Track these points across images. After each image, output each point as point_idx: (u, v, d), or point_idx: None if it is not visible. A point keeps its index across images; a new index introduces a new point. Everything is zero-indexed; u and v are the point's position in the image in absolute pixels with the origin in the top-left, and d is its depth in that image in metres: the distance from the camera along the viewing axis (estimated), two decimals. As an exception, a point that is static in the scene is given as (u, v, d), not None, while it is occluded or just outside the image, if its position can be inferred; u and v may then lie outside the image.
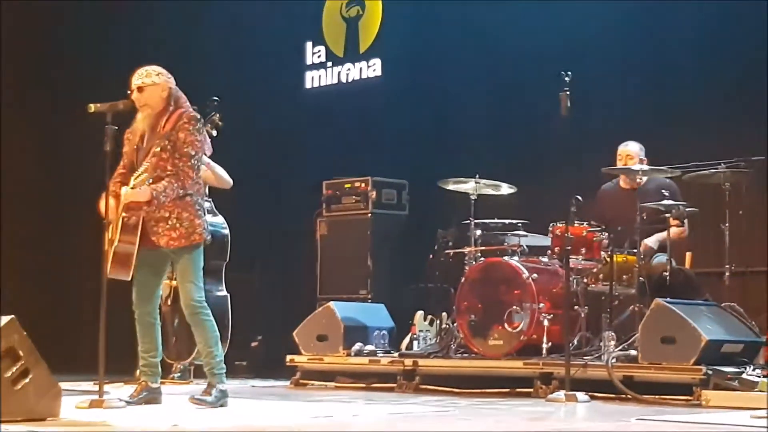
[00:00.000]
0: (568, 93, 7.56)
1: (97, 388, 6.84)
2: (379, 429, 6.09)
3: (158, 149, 6.80)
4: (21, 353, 5.87)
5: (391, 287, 10.45)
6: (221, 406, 6.81)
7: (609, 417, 6.55)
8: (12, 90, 12.57)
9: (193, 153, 6.86)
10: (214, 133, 8.63)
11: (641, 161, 8.66)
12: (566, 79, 7.56)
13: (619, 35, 10.08)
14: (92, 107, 6.85)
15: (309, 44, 12.49)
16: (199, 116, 7.02)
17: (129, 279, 6.81)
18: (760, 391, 6.98)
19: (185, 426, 5.76)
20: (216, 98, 8.82)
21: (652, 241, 8.47)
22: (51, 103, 12.68)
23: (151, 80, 6.89)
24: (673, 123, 9.67)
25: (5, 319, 5.88)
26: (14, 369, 5.84)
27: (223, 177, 8.95)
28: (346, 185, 10.75)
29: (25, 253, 12.23)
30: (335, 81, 12.26)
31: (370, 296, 10.34)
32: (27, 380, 5.87)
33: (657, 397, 7.31)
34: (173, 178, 6.78)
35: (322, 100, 12.20)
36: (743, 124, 9.34)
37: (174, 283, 8.46)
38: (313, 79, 12.43)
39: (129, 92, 6.93)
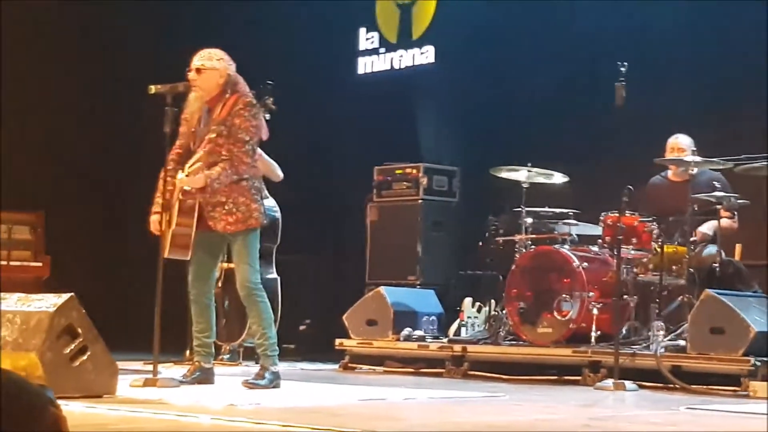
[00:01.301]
0: (624, 83, 7.57)
1: (148, 367, 6.96)
2: (433, 413, 6.17)
3: (214, 135, 6.89)
4: (80, 330, 5.98)
5: (440, 273, 10.52)
6: (274, 387, 6.89)
7: (657, 405, 6.59)
8: (70, 68, 12.70)
9: (248, 138, 6.94)
10: (267, 116, 8.66)
11: (692, 153, 8.65)
12: (622, 69, 7.58)
13: (675, 28, 10.06)
14: (153, 88, 6.96)
15: (362, 30, 12.55)
16: (255, 102, 7.09)
17: (188, 258, 6.90)
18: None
19: (240, 405, 5.84)
20: (270, 81, 8.87)
21: (706, 228, 8.49)
22: (111, 83, 12.78)
23: (212, 64, 6.97)
24: (724, 116, 9.66)
25: (65, 296, 5.99)
26: (73, 346, 5.96)
27: (273, 169, 9.01)
28: (398, 171, 10.79)
29: (83, 232, 12.38)
30: (388, 67, 12.31)
31: (419, 282, 10.39)
32: (85, 357, 5.99)
33: (705, 387, 7.34)
34: (227, 163, 6.86)
35: (375, 85, 12.25)
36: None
37: (225, 265, 8.58)
38: (365, 65, 12.50)
39: (188, 70, 7.01)
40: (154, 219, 6.91)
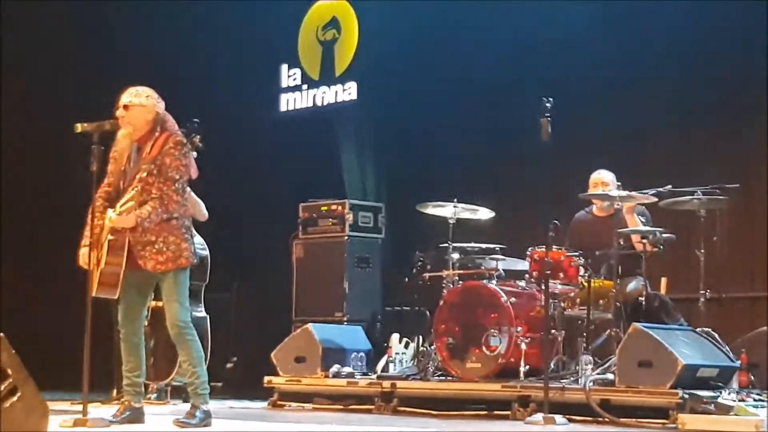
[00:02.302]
0: (549, 119, 7.64)
1: (76, 408, 6.87)
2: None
3: (144, 174, 6.85)
4: (9, 371, 5.87)
5: (367, 310, 10.52)
6: (205, 426, 6.84)
7: (589, 439, 6.63)
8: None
9: (178, 177, 6.92)
10: (195, 154, 8.64)
11: (617, 188, 8.75)
12: (547, 104, 7.64)
13: (596, 63, 10.21)
14: (79, 127, 6.91)
15: (284, 67, 12.57)
16: (185, 140, 7.07)
17: (116, 297, 6.84)
18: (736, 415, 7.09)
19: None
20: (196, 120, 8.85)
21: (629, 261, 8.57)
22: (36, 121, 12.65)
23: (139, 101, 6.95)
24: (648, 150, 9.81)
25: (-6, 337, 5.89)
26: (2, 387, 5.85)
27: (199, 209, 8.99)
28: (323, 208, 10.79)
29: (9, 271, 12.20)
30: (311, 104, 12.34)
31: (346, 318, 10.39)
32: (15, 398, 5.87)
33: (634, 420, 7.39)
34: (158, 201, 6.83)
35: (298, 122, 12.28)
36: (719, 151, 9.51)
37: (153, 303, 8.50)
38: (288, 102, 12.51)
39: (115, 108, 6.97)
40: (83, 252, 6.85)
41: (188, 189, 7.34)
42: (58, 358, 10.28)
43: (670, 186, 8.34)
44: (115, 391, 9.01)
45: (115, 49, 12.94)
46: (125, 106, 6.94)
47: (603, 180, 8.92)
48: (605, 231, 8.46)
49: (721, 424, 6.93)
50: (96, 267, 6.79)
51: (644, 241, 8.25)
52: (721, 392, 7.41)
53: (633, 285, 8.53)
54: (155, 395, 9.32)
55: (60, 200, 11.63)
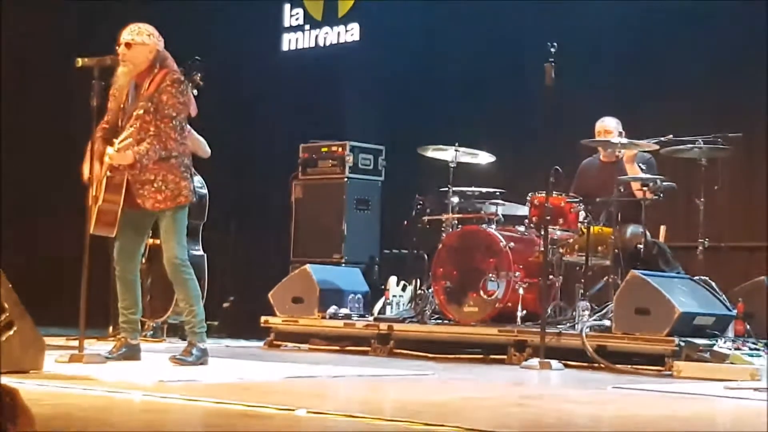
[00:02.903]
0: (553, 64, 7.60)
1: (72, 343, 6.88)
2: (362, 390, 6.18)
3: (141, 111, 6.82)
4: (6, 305, 5.89)
5: (365, 252, 10.51)
6: (201, 364, 6.85)
7: (584, 384, 6.65)
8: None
9: (175, 114, 6.89)
10: (195, 92, 8.57)
11: (620, 135, 8.72)
12: (552, 50, 7.60)
13: (602, 9, 10.13)
14: (80, 61, 6.86)
15: (287, 6, 12.49)
16: (183, 78, 7.02)
17: (113, 236, 6.84)
18: (731, 363, 7.11)
19: (170, 382, 5.79)
20: (198, 57, 8.78)
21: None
22: (38, 55, 12.57)
23: (141, 39, 6.91)
24: (652, 98, 9.76)
25: (-9, 271, 5.89)
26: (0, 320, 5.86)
27: (201, 146, 8.94)
28: (323, 149, 10.74)
29: (11, 208, 12.18)
30: (313, 44, 12.27)
31: (344, 260, 10.37)
32: (11, 332, 5.89)
33: (629, 366, 7.41)
34: (155, 139, 6.80)
35: (300, 62, 12.21)
36: (722, 100, 9.47)
37: (150, 241, 8.49)
38: (290, 42, 12.44)
39: (117, 45, 6.93)
40: (85, 168, 6.79)
41: (188, 126, 7.31)
42: (57, 292, 10.30)
43: (671, 135, 8.31)
44: (111, 328, 9.04)
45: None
46: (127, 44, 6.89)
47: (606, 127, 8.89)
48: (609, 177, 8.46)
49: (716, 372, 6.96)
50: (94, 204, 6.78)
51: (644, 188, 8.23)
52: (717, 341, 7.44)
53: (632, 232, 8.52)
54: (151, 333, 9.35)
55: (61, 135, 11.58)
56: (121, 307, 7.12)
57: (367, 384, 6.50)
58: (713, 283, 7.96)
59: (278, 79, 12.19)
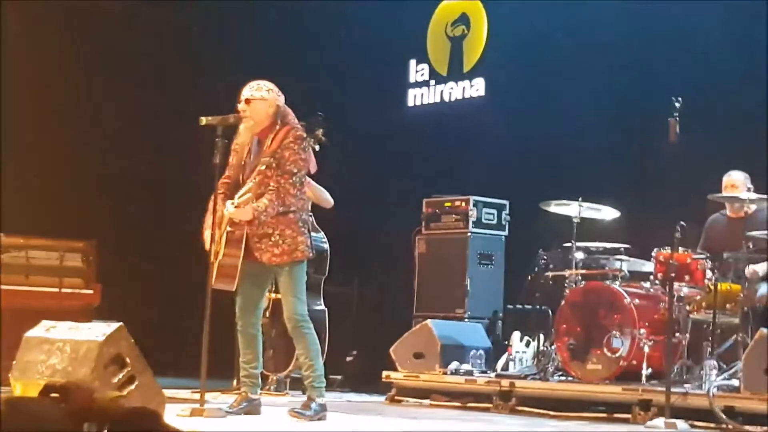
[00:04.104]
0: (678, 119, 7.50)
1: (196, 396, 6.94)
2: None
3: (263, 167, 6.88)
4: (128, 360, 5.97)
5: (488, 307, 10.42)
6: (320, 419, 6.86)
7: (710, 446, 6.49)
8: (124, 96, 12.77)
9: (296, 171, 6.94)
10: (317, 148, 8.67)
11: (748, 190, 8.55)
12: (677, 104, 7.50)
13: (729, 62, 9.96)
14: (203, 120, 6.99)
15: (413, 62, 12.55)
16: (305, 135, 7.09)
17: (233, 289, 6.89)
18: None
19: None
20: (320, 114, 8.87)
21: (758, 267, 8.36)
22: (163, 113, 12.82)
23: (261, 95, 6.99)
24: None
25: (114, 325, 5.98)
26: (121, 375, 5.94)
27: (322, 196, 9.01)
28: (446, 204, 10.72)
29: (134, 262, 12.39)
30: (438, 99, 12.30)
31: (466, 315, 10.31)
32: (132, 387, 5.97)
33: (759, 428, 7.21)
34: (274, 194, 6.86)
35: (425, 118, 12.24)
36: None
37: (273, 295, 8.56)
38: (415, 97, 12.49)
39: (237, 102, 7.04)
40: (206, 235, 6.89)
41: (308, 179, 7.36)
42: (185, 347, 10.40)
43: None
44: (235, 381, 9.09)
45: (244, 42, 13.04)
46: (247, 100, 6.99)
47: (733, 182, 8.72)
48: (737, 233, 8.27)
49: None
50: (215, 259, 6.85)
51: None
52: None
53: (762, 290, 8.30)
54: (274, 386, 9.38)
55: (184, 192, 11.75)
56: (242, 362, 7.17)
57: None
58: None
59: (403, 133, 12.23)
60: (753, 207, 8.52)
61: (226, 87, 7.68)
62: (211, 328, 6.75)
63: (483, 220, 10.59)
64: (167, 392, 6.40)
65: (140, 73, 12.98)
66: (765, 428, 7.20)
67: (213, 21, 13.18)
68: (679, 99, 7.55)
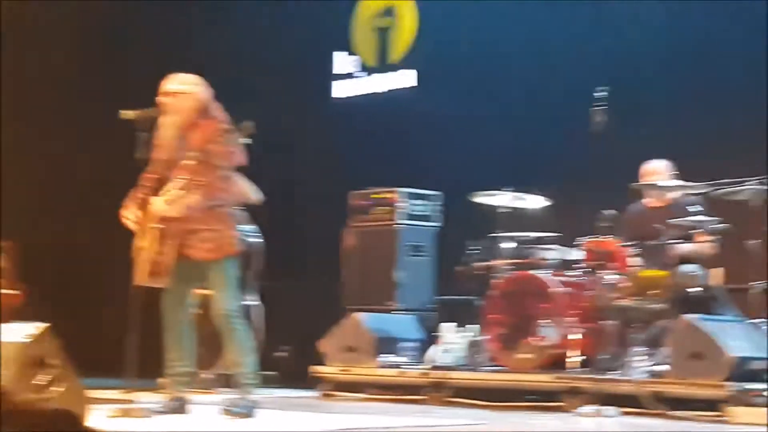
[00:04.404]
0: (602, 108, 7.55)
1: (124, 396, 6.88)
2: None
3: (191, 162, 6.83)
4: (52, 362, 5.88)
5: (419, 299, 10.42)
6: (251, 416, 6.81)
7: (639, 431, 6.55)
8: (44, 97, 12.64)
9: (223, 165, 6.89)
10: (248, 141, 8.61)
11: (670, 178, 8.62)
12: (602, 94, 7.55)
13: (653, 53, 10.05)
14: (124, 114, 6.89)
15: (337, 54, 12.51)
16: (231, 128, 7.04)
17: (163, 286, 6.83)
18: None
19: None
20: (249, 107, 8.82)
21: (684, 252, 8.43)
22: (81, 109, 12.70)
23: (184, 88, 6.92)
24: (700, 141, 9.64)
25: (39, 327, 5.90)
26: (44, 377, 5.86)
27: (250, 191, 8.96)
28: (375, 196, 10.70)
29: (59, 261, 12.26)
30: (365, 91, 12.27)
31: (397, 308, 10.30)
32: (56, 389, 5.88)
33: (685, 412, 7.28)
34: (204, 190, 6.80)
35: (353, 110, 12.21)
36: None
37: (203, 292, 8.50)
38: (341, 89, 12.46)
39: (159, 95, 6.95)
40: (127, 212, 6.80)
41: (237, 174, 7.32)
42: (113, 344, 10.31)
43: (719, 181, 8.19)
44: (164, 380, 9.00)
45: (164, 36, 12.94)
46: (170, 93, 6.91)
47: (654, 171, 8.79)
48: (658, 221, 8.34)
49: (772, 417, 6.81)
50: (143, 256, 6.78)
51: (697, 231, 8.11)
52: (773, 385, 7.28)
53: (686, 276, 8.38)
54: (205, 384, 9.31)
55: (106, 189, 11.66)
56: (170, 359, 7.11)
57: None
58: (769, 326, 7.81)
59: (332, 126, 12.20)
60: (673, 195, 8.59)
61: (147, 80, 7.57)
62: (139, 326, 6.68)
63: (412, 212, 10.58)
64: (94, 393, 6.32)
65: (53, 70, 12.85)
66: (692, 413, 7.28)
67: (132, 13, 13.04)
68: (605, 89, 7.59)
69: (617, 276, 8.29)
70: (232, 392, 7.16)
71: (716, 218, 8.24)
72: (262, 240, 9.35)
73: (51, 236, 12.25)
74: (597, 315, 7.92)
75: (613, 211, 8.02)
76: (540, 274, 8.67)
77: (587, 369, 8.11)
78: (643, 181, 8.73)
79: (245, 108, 8.64)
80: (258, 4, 12.56)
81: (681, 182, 8.31)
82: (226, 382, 9.10)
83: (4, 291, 9.24)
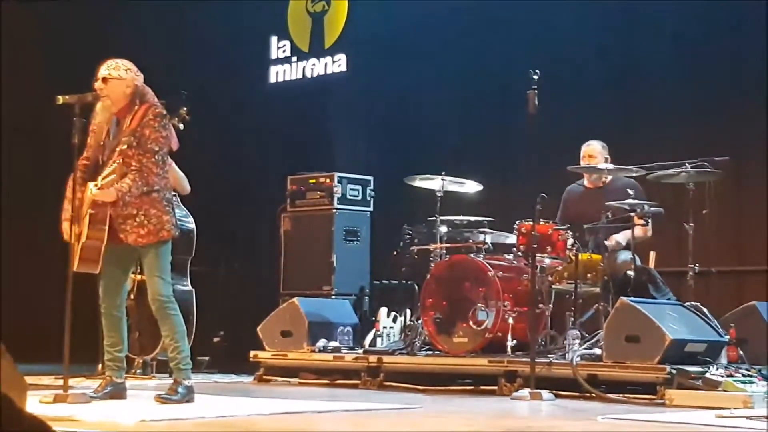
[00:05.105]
0: (536, 91, 7.57)
1: (60, 382, 6.81)
2: (347, 426, 6.10)
3: (124, 146, 6.75)
4: (-14, 347, 5.82)
5: (355, 283, 10.43)
6: (187, 402, 6.77)
7: (575, 415, 6.58)
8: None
9: (158, 149, 6.82)
10: (181, 126, 8.53)
11: (605, 160, 8.69)
12: (534, 77, 7.58)
13: (586, 35, 10.13)
14: (60, 99, 6.81)
15: (274, 39, 12.48)
16: (165, 112, 6.97)
17: (97, 272, 6.77)
18: (724, 390, 7.03)
19: (153, 421, 5.72)
20: (184, 92, 8.76)
21: (619, 237, 8.53)
22: (17, 92, 12.53)
23: (118, 74, 6.85)
24: (637, 123, 9.74)
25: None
26: (-21, 363, 5.79)
27: (181, 182, 8.93)
28: (311, 180, 10.69)
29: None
30: (300, 76, 12.26)
31: (333, 292, 10.30)
32: (-7, 374, 5.82)
33: (621, 395, 7.34)
34: (138, 174, 6.74)
35: (288, 95, 12.19)
36: (707, 124, 9.44)
37: (138, 277, 8.45)
38: (278, 74, 12.43)
39: (94, 80, 6.89)
40: (65, 227, 6.76)
41: (170, 161, 7.26)
42: (50, 330, 10.22)
43: (656, 163, 8.26)
44: (100, 366, 8.95)
45: (98, 20, 12.80)
46: (104, 79, 6.84)
47: (591, 152, 8.86)
48: (595, 203, 8.41)
49: (708, 399, 6.88)
50: (77, 241, 6.71)
51: (633, 214, 8.18)
52: (709, 367, 7.35)
53: (621, 259, 8.46)
54: (140, 370, 9.27)
55: (42, 173, 11.55)
56: (106, 345, 7.04)
57: (353, 419, 6.41)
58: (705, 309, 7.88)
59: (265, 111, 12.17)
60: (610, 177, 8.67)
61: (82, 65, 7.49)
62: (75, 312, 6.60)
63: (348, 197, 10.59)
64: (30, 379, 6.26)
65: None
66: (626, 395, 7.34)
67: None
68: (537, 71, 7.62)
69: (553, 259, 8.34)
70: (169, 378, 7.10)
71: (652, 201, 8.32)
72: (193, 225, 9.27)
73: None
74: (532, 299, 7.94)
75: (545, 196, 8.03)
76: (476, 257, 8.69)
77: (523, 353, 8.14)
78: (583, 162, 8.80)
79: (181, 92, 8.68)
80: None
81: (617, 165, 8.36)
82: (165, 367, 9.08)
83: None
